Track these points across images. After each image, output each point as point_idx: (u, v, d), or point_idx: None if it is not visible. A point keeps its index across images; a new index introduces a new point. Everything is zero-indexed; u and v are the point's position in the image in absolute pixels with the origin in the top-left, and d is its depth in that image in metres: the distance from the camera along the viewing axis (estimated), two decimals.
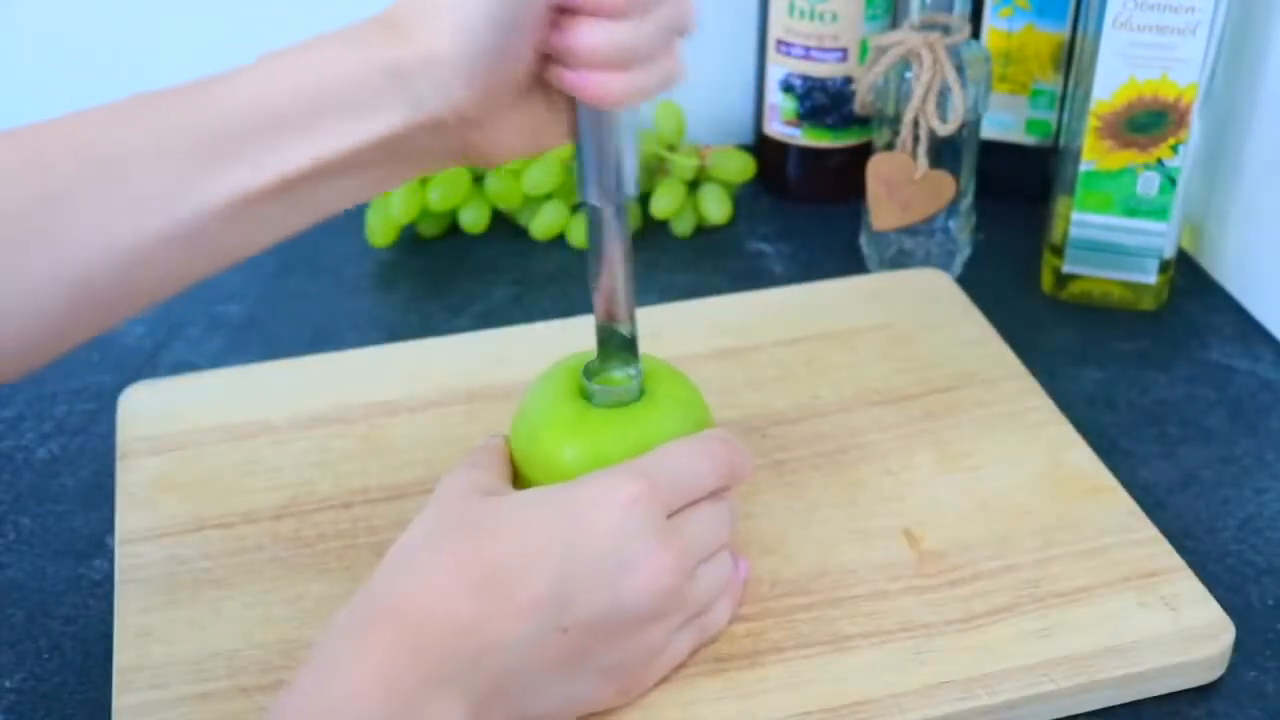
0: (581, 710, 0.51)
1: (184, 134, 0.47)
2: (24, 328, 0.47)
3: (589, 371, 0.56)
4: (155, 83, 0.49)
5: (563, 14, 0.48)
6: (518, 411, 0.57)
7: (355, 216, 0.83)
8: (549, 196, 0.83)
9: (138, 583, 0.58)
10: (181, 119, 0.47)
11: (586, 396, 0.56)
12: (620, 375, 0.56)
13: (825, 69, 0.84)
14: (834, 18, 0.82)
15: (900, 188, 0.77)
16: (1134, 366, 0.75)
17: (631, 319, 0.56)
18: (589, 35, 0.48)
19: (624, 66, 0.49)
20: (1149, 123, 0.73)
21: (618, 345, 0.56)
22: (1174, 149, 0.73)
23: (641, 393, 0.56)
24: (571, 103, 0.51)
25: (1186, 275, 0.82)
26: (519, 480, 0.56)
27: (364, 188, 0.51)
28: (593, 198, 0.53)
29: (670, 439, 0.54)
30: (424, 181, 0.81)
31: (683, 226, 0.86)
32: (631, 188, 0.53)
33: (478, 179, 0.83)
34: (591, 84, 0.49)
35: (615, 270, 0.55)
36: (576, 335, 0.71)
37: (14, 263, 0.45)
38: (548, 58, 0.50)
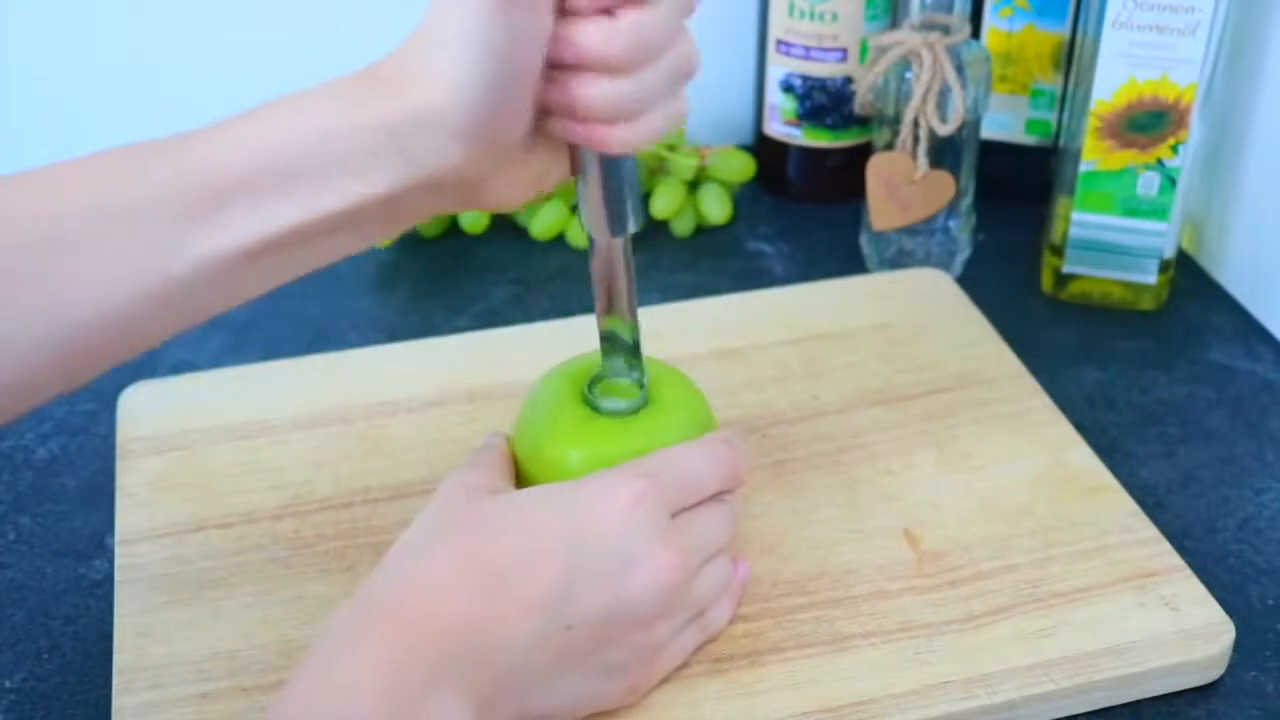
0: (587, 708, 0.51)
1: (171, 191, 0.46)
2: (3, 375, 0.46)
3: (593, 380, 0.56)
4: (153, 121, 0.48)
5: (562, 69, 0.47)
6: (520, 415, 0.57)
7: None
8: (549, 196, 0.83)
9: (138, 583, 0.58)
10: (169, 176, 0.46)
11: (590, 403, 0.56)
12: (625, 382, 0.56)
13: (825, 69, 0.84)
14: (834, 18, 0.82)
15: (900, 188, 0.77)
16: (1134, 366, 0.75)
17: (634, 326, 0.56)
18: (593, 91, 0.46)
19: (630, 117, 0.47)
20: (1149, 123, 0.73)
21: (621, 351, 0.56)
22: (1174, 149, 0.73)
23: (646, 398, 0.56)
24: (573, 146, 0.50)
25: (1186, 275, 0.82)
26: (522, 484, 0.56)
27: (356, 243, 0.49)
28: (597, 233, 0.52)
29: (675, 444, 0.54)
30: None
31: (683, 226, 0.86)
32: (635, 223, 0.52)
33: None
34: (597, 135, 0.47)
35: (620, 294, 0.54)
36: (576, 335, 0.71)
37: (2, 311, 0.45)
38: (548, 110, 0.48)
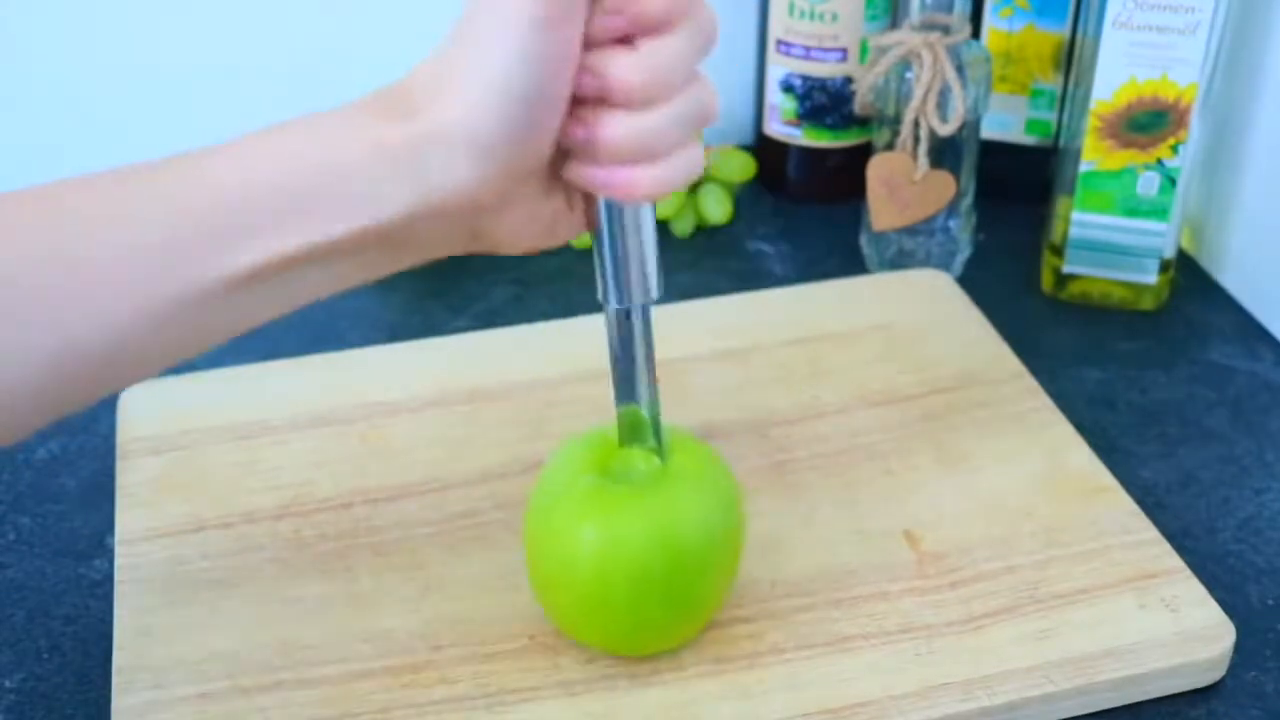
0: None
1: (180, 210, 0.45)
2: (5, 394, 0.45)
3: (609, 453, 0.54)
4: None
5: (583, 106, 0.46)
6: (535, 486, 0.55)
7: None
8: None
9: (138, 583, 0.58)
10: (179, 195, 0.45)
11: (607, 474, 0.53)
12: (641, 455, 0.54)
13: (825, 69, 0.84)
14: (834, 18, 0.82)
15: (900, 188, 0.77)
16: (1134, 366, 0.75)
17: (654, 402, 0.53)
18: (614, 128, 0.46)
19: (650, 159, 0.46)
20: (1149, 123, 0.73)
21: (640, 426, 0.54)
22: (1174, 149, 0.73)
23: (664, 463, 0.54)
24: (590, 199, 0.50)
25: (1186, 275, 0.82)
26: (532, 556, 0.54)
27: (361, 273, 0.49)
28: (614, 301, 0.50)
29: (694, 513, 0.52)
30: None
31: (683, 226, 0.86)
32: (655, 290, 0.50)
33: None
34: (617, 179, 0.47)
35: (638, 375, 0.52)
36: (576, 335, 0.71)
37: (5, 328, 0.44)
38: (567, 154, 0.48)
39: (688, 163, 0.47)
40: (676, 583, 0.52)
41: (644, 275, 0.50)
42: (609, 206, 0.49)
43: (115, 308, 0.44)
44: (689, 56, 0.46)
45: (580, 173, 0.48)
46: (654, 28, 0.45)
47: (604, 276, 0.50)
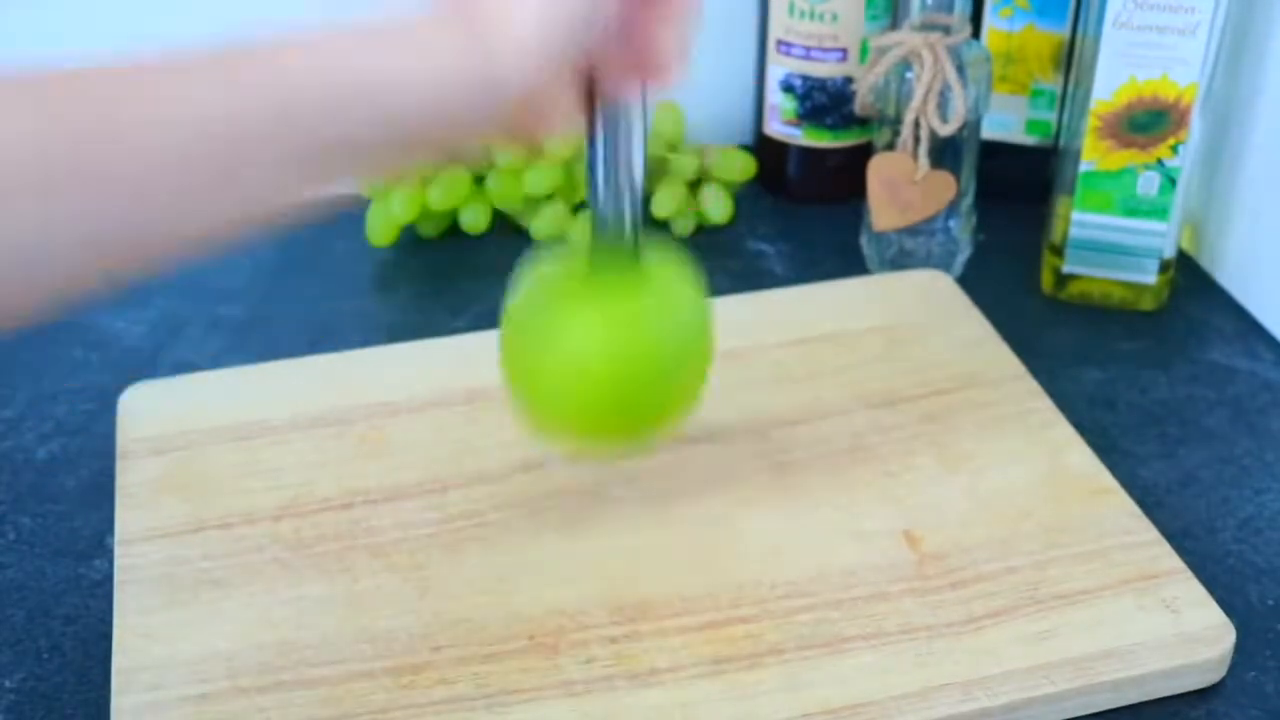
0: None
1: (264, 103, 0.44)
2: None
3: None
4: None
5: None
6: (510, 299, 0.56)
7: (355, 216, 0.83)
8: (549, 197, 0.83)
9: (137, 583, 0.58)
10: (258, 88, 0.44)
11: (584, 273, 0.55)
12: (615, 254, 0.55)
13: (825, 69, 0.84)
14: (834, 18, 0.82)
15: (901, 188, 0.77)
16: (1134, 366, 0.75)
17: (636, 226, 0.54)
18: (670, 32, 0.49)
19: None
20: (1149, 123, 0.73)
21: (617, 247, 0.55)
22: (1174, 149, 0.73)
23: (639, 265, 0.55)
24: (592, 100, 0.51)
25: (1186, 275, 0.82)
26: (512, 355, 0.56)
27: (400, 159, 0.50)
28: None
29: (669, 298, 0.55)
30: (424, 181, 0.81)
31: (683, 226, 0.86)
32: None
33: (478, 179, 0.83)
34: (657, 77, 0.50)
35: (630, 174, 0.53)
36: None
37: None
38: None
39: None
40: (655, 357, 0.55)
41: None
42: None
43: (165, 128, 0.42)
44: None
45: (612, 82, 0.50)
46: None
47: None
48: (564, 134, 0.52)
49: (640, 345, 0.54)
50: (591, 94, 0.51)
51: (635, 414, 0.56)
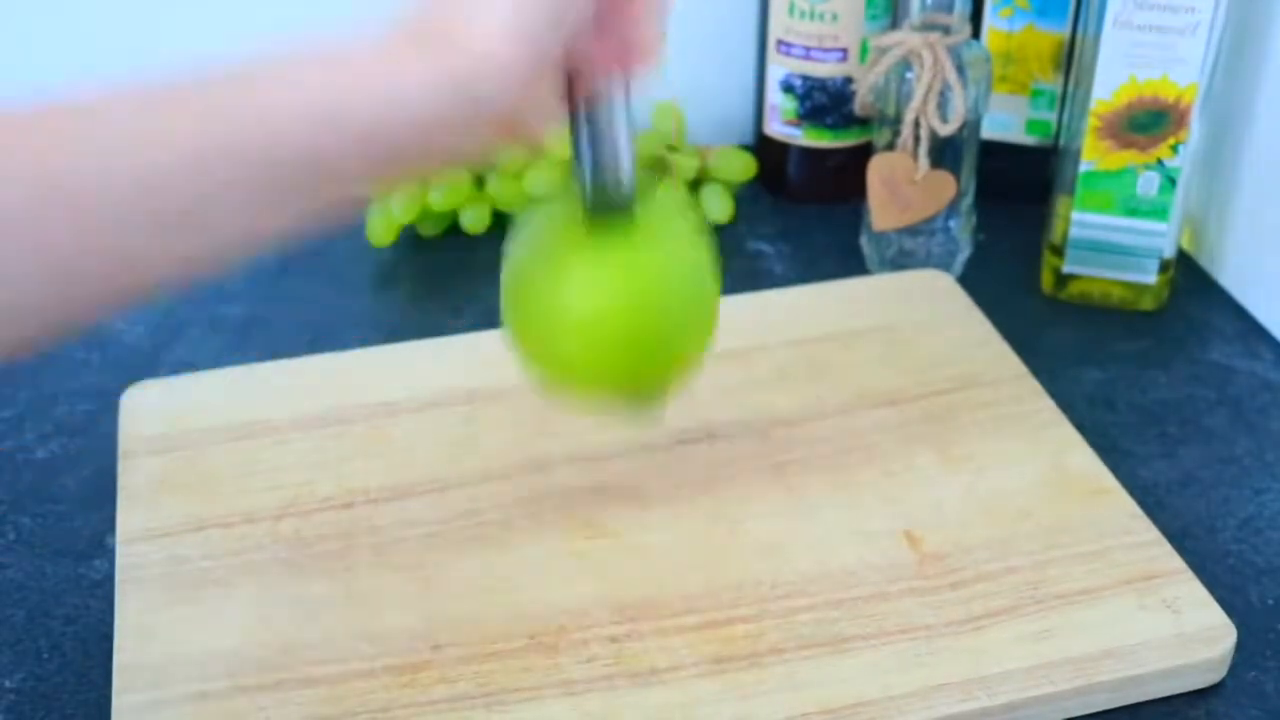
0: None
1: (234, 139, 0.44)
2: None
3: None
4: None
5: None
6: (512, 250, 0.55)
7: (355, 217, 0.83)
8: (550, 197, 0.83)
9: (138, 583, 0.58)
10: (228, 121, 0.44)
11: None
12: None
13: (825, 69, 0.84)
14: (834, 18, 0.82)
15: (901, 188, 0.77)
16: (1134, 366, 0.75)
17: (631, 182, 0.54)
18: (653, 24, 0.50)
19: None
20: (1149, 123, 0.73)
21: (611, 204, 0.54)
22: (1174, 149, 0.73)
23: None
24: (574, 87, 0.51)
25: (1186, 275, 0.82)
26: (517, 306, 0.55)
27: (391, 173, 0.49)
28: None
29: (672, 247, 0.54)
30: (424, 181, 0.81)
31: None
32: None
33: (479, 180, 0.83)
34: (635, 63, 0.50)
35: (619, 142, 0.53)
36: None
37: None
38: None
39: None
40: (658, 302, 0.53)
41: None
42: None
43: (122, 156, 0.42)
44: None
45: (593, 70, 0.50)
46: None
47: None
48: (550, 129, 0.51)
49: (643, 289, 0.53)
50: (572, 85, 0.51)
51: (641, 361, 0.54)
